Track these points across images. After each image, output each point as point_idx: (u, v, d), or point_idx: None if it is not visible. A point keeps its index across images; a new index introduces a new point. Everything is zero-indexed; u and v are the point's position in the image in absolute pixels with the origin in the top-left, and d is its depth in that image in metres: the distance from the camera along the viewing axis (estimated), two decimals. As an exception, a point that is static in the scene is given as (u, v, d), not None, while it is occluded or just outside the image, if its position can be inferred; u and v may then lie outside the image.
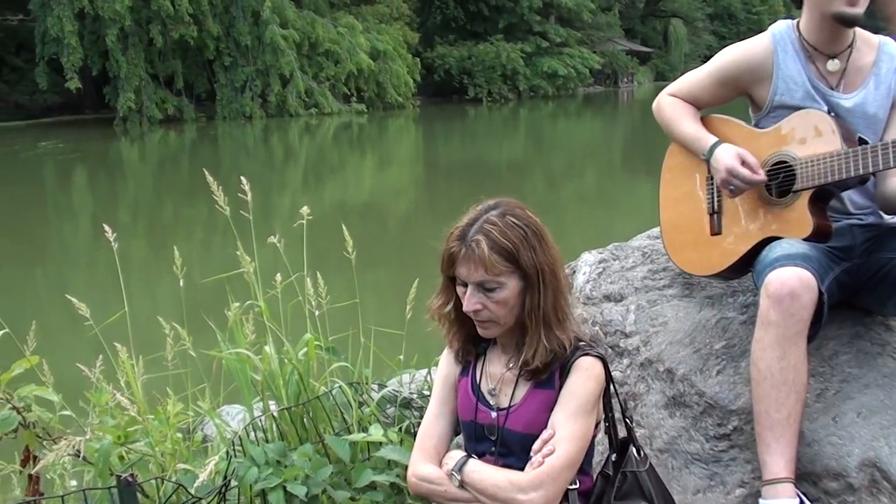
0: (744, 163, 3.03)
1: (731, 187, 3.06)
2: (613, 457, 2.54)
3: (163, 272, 12.89)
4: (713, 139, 3.17)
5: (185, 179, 27.03)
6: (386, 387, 3.73)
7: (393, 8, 53.14)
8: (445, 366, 2.66)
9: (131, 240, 16.17)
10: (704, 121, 3.31)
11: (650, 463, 2.57)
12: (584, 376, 2.37)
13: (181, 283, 3.78)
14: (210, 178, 3.72)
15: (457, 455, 2.46)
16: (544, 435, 2.34)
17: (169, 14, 40.44)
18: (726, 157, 3.06)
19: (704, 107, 3.34)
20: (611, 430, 2.55)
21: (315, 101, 44.62)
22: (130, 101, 40.94)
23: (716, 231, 3.19)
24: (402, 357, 4.08)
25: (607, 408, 2.51)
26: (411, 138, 39.98)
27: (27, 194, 23.99)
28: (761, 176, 3.03)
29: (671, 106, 3.34)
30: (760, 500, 2.74)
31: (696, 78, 3.34)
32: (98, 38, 40.87)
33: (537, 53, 57.48)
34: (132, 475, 2.62)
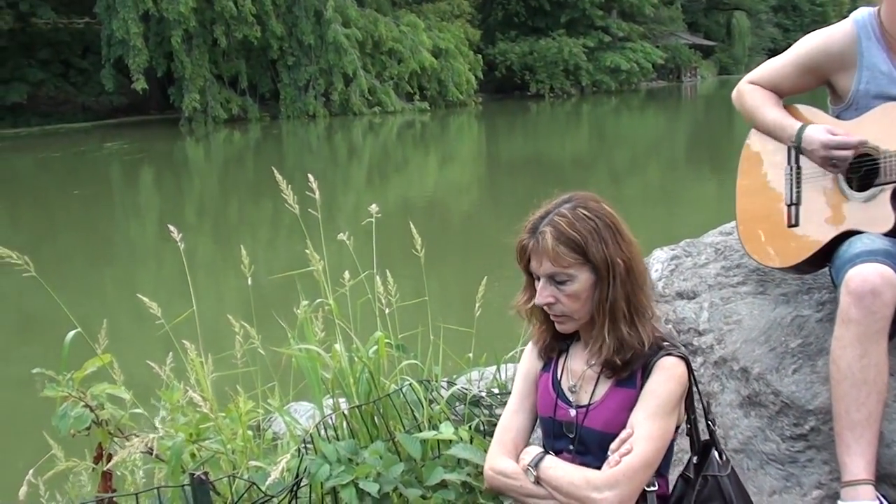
0: (834, 134, 2.97)
1: (834, 161, 2.98)
2: (695, 459, 2.50)
3: (227, 270, 13.01)
4: (798, 123, 3.09)
5: (250, 178, 27.31)
6: (455, 385, 3.71)
7: (454, 5, 53.22)
8: (528, 361, 2.64)
9: (197, 239, 16.35)
10: (786, 110, 3.23)
11: (732, 467, 2.51)
12: (666, 376, 2.33)
13: (249, 282, 3.80)
14: (279, 177, 3.72)
15: (534, 451, 2.44)
16: (623, 434, 2.31)
17: (232, 15, 40.85)
18: (817, 134, 2.99)
19: (785, 95, 3.26)
20: (692, 433, 2.51)
21: (378, 99, 44.86)
22: (195, 101, 41.45)
23: (793, 223, 3.12)
24: (471, 355, 4.06)
25: (689, 410, 2.46)
26: (473, 135, 40.00)
27: (94, 195, 24.36)
28: (857, 137, 2.96)
29: (751, 93, 3.26)
30: (839, 503, 2.69)
31: (777, 65, 3.26)
32: (163, 39, 41.42)
33: (599, 48, 57.23)
34: (205, 473, 2.63)
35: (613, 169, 25.78)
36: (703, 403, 2.56)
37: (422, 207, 19.34)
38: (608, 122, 43.28)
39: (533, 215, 2.41)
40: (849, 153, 2.96)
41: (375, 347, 3.53)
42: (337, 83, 43.50)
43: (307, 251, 3.71)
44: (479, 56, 52.37)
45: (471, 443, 3.15)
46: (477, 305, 3.86)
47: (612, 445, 2.32)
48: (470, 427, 3.34)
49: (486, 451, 2.64)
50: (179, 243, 3.75)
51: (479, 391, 3.75)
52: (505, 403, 2.71)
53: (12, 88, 43.26)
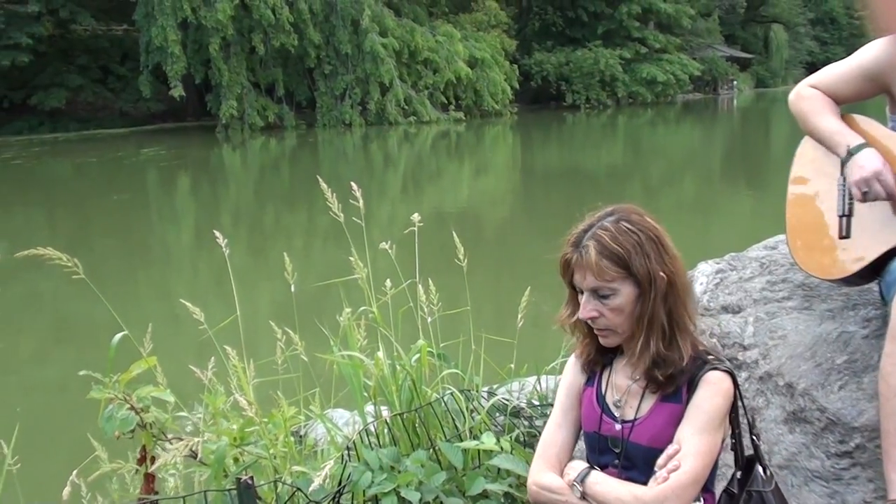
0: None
1: (866, 189, 2.94)
2: (739, 474, 2.49)
3: (262, 277, 13.07)
4: (860, 139, 3.04)
5: (286, 186, 27.47)
6: (495, 395, 3.71)
7: (491, 15, 53.29)
8: (570, 374, 2.62)
9: (232, 245, 16.37)
10: (844, 120, 3.18)
11: (776, 483, 2.50)
12: (713, 391, 2.32)
13: (293, 289, 3.82)
14: (324, 186, 3.74)
15: (579, 466, 2.43)
16: (669, 450, 2.29)
17: (270, 23, 41.13)
18: (876, 159, 2.95)
19: (844, 102, 3.19)
20: (737, 447, 2.49)
21: (414, 109, 44.97)
22: (232, 108, 41.73)
23: (844, 234, 3.06)
24: (513, 365, 4.05)
25: (734, 424, 2.45)
26: (508, 146, 39.99)
27: (131, 200, 24.57)
28: None
29: (811, 98, 3.19)
30: (885, 520, 2.66)
31: (838, 71, 3.20)
32: (201, 46, 41.75)
33: (636, 60, 57.02)
34: (251, 477, 2.65)
35: (648, 181, 25.68)
36: (748, 418, 2.54)
37: (456, 217, 19.32)
38: (644, 134, 43.10)
39: (576, 228, 2.40)
40: (884, 196, 2.93)
41: (418, 356, 3.54)
42: (373, 92, 43.65)
43: (351, 259, 3.73)
44: (515, 66, 52.39)
45: (511, 454, 3.15)
46: (519, 316, 3.86)
47: (660, 461, 2.30)
48: (511, 438, 3.34)
49: (527, 462, 2.64)
50: (225, 249, 3.78)
51: (520, 402, 3.74)
52: (545, 415, 2.70)
53: (52, 94, 43.84)
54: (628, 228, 2.34)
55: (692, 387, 2.34)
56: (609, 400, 2.49)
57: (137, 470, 3.20)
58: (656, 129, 45.87)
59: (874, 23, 2.83)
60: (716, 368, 2.35)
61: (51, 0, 43.10)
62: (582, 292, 2.37)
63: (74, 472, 3.16)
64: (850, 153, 3.00)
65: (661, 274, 2.32)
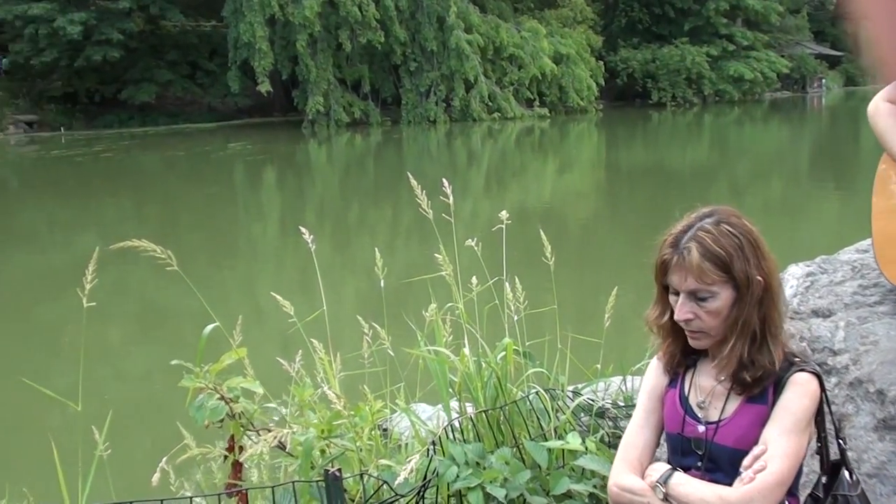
0: None
1: None
2: (824, 479, 2.45)
3: (346, 272, 13.16)
4: None
5: (370, 182, 27.62)
6: (581, 395, 3.70)
7: (577, 11, 53.01)
8: (653, 376, 2.61)
9: (317, 240, 16.50)
10: None
11: (862, 488, 2.46)
12: (800, 392, 2.29)
13: (382, 284, 3.85)
14: (414, 182, 3.77)
15: (661, 467, 2.42)
16: (755, 450, 2.27)
17: (357, 19, 41.39)
18: None
19: None
20: (822, 451, 2.45)
21: (498, 105, 44.92)
22: (318, 104, 42.09)
23: None
24: (599, 365, 4.04)
25: (820, 427, 2.41)
26: (593, 143, 39.74)
27: (218, 193, 24.96)
28: None
29: (888, 116, 3.14)
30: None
31: None
32: (288, 43, 42.20)
33: (723, 57, 56.07)
34: (339, 469, 2.68)
35: (735, 181, 25.29)
36: (834, 422, 2.51)
37: (540, 214, 19.24)
38: (730, 132, 42.43)
39: (674, 229, 2.38)
40: None
41: (503, 354, 3.55)
42: (458, 89, 43.75)
43: (437, 255, 3.75)
44: (601, 63, 51.98)
45: (596, 454, 3.15)
46: (606, 316, 3.84)
47: (745, 462, 2.28)
48: (596, 438, 3.33)
49: (612, 464, 2.63)
50: (311, 245, 3.83)
51: (605, 402, 3.73)
52: (630, 416, 2.69)
53: (142, 88, 44.76)
54: (729, 231, 2.32)
55: (779, 388, 2.32)
56: (692, 401, 2.47)
57: (226, 457, 3.26)
58: (743, 127, 45.14)
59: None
60: (803, 370, 2.33)
61: (141, -4, 44.03)
62: (676, 293, 2.36)
63: (164, 458, 3.22)
64: None
65: (759, 278, 2.30)
